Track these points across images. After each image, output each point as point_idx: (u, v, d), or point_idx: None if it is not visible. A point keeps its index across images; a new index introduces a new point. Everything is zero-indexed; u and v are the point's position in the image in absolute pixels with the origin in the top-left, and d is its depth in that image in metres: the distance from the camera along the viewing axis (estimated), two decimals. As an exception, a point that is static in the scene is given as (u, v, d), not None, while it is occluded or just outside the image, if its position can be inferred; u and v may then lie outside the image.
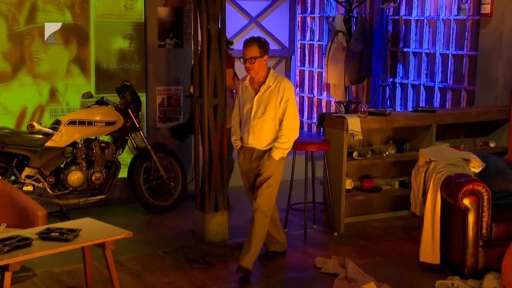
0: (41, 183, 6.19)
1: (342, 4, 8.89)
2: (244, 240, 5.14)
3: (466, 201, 4.80)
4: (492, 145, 6.88)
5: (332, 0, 9.54)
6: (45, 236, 4.05)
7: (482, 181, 4.87)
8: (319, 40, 10.11)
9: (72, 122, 6.26)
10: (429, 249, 5.07)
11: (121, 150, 6.68)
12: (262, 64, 4.94)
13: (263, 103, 4.98)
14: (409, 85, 8.63)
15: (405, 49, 8.63)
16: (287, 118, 4.96)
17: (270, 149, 5.00)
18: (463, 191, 4.77)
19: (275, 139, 4.99)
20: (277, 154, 4.98)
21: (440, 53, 8.09)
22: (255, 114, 4.99)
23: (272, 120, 4.98)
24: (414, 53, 8.52)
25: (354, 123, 5.96)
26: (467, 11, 7.67)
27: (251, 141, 5.04)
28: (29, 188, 6.14)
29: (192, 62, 6.74)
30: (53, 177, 6.25)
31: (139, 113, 6.80)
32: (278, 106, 4.96)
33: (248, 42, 4.96)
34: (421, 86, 8.42)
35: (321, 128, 8.90)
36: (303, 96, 10.52)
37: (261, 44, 4.94)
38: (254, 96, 5.01)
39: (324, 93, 10.06)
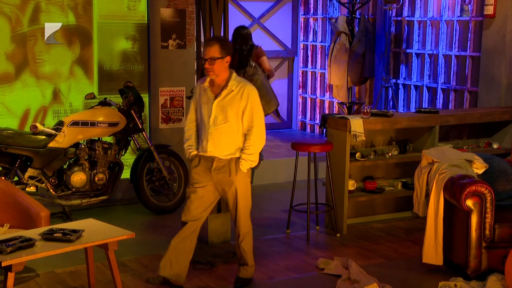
0: (44, 184, 6.20)
1: (344, 5, 8.90)
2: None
3: (469, 203, 4.79)
4: (495, 146, 6.87)
5: (334, 1, 9.54)
6: (48, 236, 4.06)
7: (485, 183, 4.86)
8: (321, 41, 10.11)
9: (75, 123, 6.26)
10: (432, 250, 5.06)
11: (124, 151, 6.69)
12: (223, 66, 4.54)
13: (224, 108, 4.56)
14: (412, 86, 8.62)
15: (408, 50, 8.62)
16: (254, 127, 4.58)
17: (233, 160, 4.62)
18: (466, 192, 4.77)
19: (239, 149, 4.62)
20: (245, 166, 4.61)
21: (443, 54, 8.08)
22: (215, 120, 4.57)
23: (234, 127, 4.58)
24: (417, 54, 8.52)
25: (356, 124, 5.96)
26: (470, 12, 7.67)
27: (210, 148, 4.60)
28: (32, 189, 6.15)
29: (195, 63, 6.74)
30: (56, 178, 6.26)
31: (142, 114, 6.81)
32: (241, 113, 4.57)
33: (209, 41, 4.61)
34: (424, 87, 8.41)
35: (324, 129, 8.92)
36: (306, 97, 10.52)
37: (223, 44, 4.55)
38: (214, 101, 4.58)
39: (327, 94, 10.06)
